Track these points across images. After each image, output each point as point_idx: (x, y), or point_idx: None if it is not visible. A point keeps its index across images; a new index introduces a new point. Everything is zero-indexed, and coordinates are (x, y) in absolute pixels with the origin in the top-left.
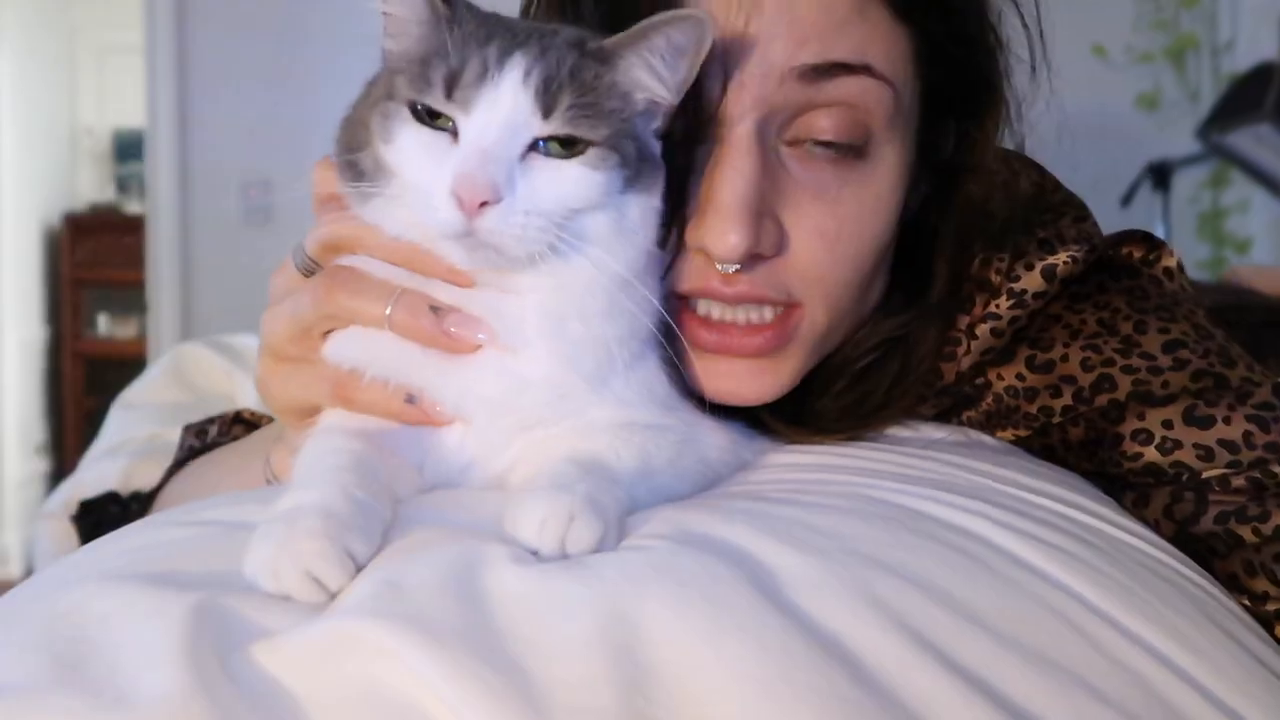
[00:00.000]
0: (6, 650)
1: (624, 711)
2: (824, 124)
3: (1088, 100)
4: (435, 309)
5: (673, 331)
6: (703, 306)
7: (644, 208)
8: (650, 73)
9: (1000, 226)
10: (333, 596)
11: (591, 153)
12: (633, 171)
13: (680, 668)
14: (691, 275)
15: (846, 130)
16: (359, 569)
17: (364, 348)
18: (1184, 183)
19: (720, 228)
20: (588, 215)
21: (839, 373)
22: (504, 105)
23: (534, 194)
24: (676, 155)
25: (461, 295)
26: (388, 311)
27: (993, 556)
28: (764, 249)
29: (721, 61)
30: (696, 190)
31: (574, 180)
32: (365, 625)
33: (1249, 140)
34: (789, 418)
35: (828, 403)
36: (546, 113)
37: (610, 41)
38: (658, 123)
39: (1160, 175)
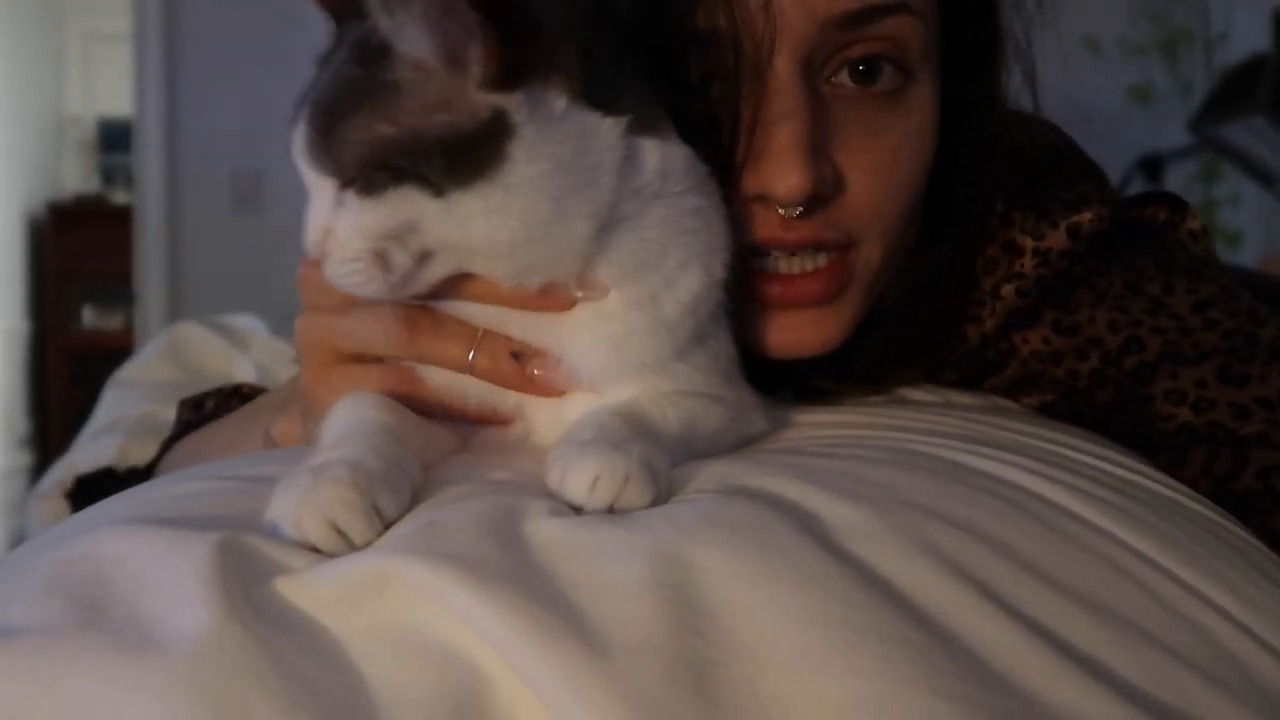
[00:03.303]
0: (22, 594)
1: (681, 650)
2: (862, 51)
3: (1079, 92)
4: (517, 354)
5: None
6: (757, 263)
7: (482, 201)
8: (425, 48)
9: (1022, 185)
10: (357, 551)
11: (358, 183)
12: (442, 165)
13: (737, 610)
14: (750, 226)
15: (885, 55)
16: (386, 527)
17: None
18: (1176, 175)
19: (783, 169)
20: (414, 235)
21: (877, 318)
22: (300, 158)
23: (339, 239)
24: (717, 106)
25: (529, 321)
26: (470, 357)
27: (1042, 508)
28: (824, 189)
29: (763, 8)
30: (744, 140)
31: (359, 213)
32: (403, 562)
33: (1241, 133)
34: (827, 372)
35: (868, 349)
36: (316, 163)
37: (386, 28)
38: (472, 95)
39: (1152, 168)
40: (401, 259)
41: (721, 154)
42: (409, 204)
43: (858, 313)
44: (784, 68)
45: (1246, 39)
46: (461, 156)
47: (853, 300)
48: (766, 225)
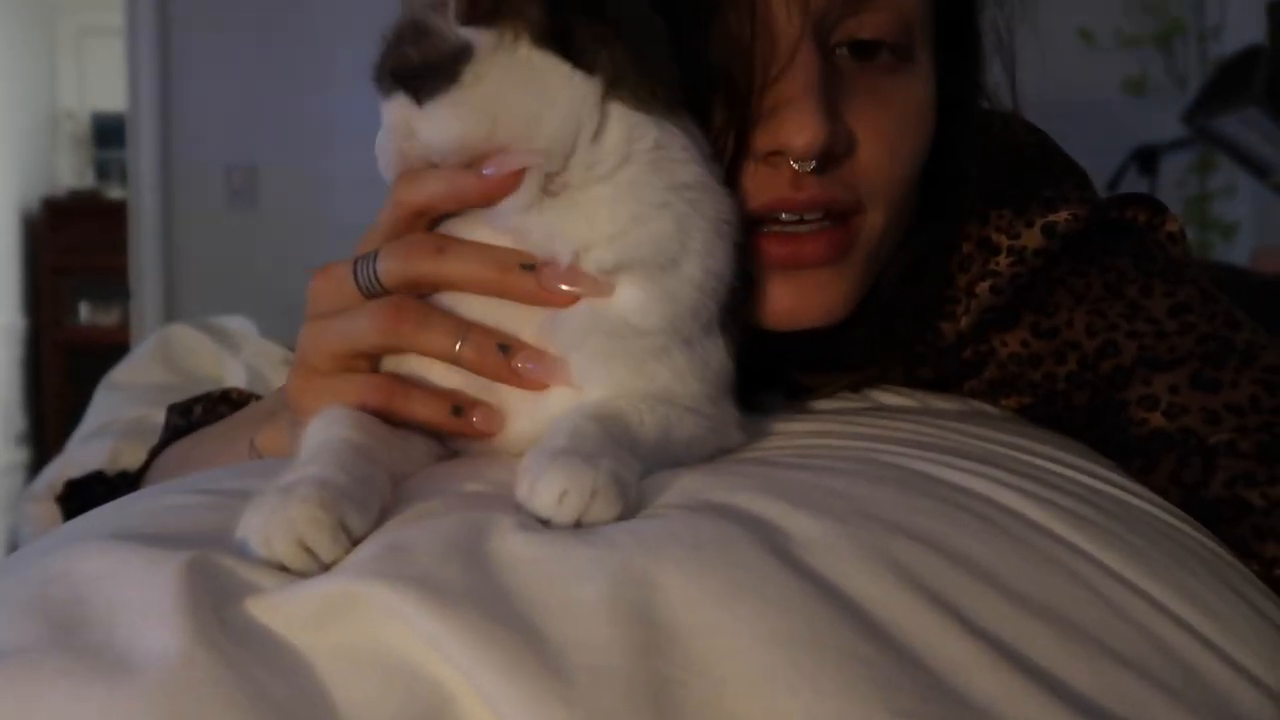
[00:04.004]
0: (0, 614)
1: (642, 672)
2: (867, 26)
3: (1075, 84)
4: (505, 346)
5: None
6: (767, 228)
7: (438, 110)
8: None
9: (1006, 182)
10: (325, 569)
11: (381, 86)
12: (421, 80)
13: (698, 629)
14: (758, 190)
15: (890, 31)
16: (354, 544)
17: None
18: (1171, 167)
19: (799, 122)
20: (414, 135)
21: (870, 303)
22: None
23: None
24: (731, 70)
25: (515, 314)
26: (456, 347)
27: (1007, 520)
28: (838, 146)
29: None
30: (756, 99)
31: (385, 110)
32: (368, 585)
33: (1236, 124)
34: (814, 366)
35: (858, 335)
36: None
37: None
38: (452, 28)
39: (1147, 160)
40: (413, 155)
41: (735, 118)
42: (402, 108)
43: (860, 283)
44: (795, 28)
45: (1241, 31)
46: (435, 75)
47: (856, 266)
48: (776, 186)
